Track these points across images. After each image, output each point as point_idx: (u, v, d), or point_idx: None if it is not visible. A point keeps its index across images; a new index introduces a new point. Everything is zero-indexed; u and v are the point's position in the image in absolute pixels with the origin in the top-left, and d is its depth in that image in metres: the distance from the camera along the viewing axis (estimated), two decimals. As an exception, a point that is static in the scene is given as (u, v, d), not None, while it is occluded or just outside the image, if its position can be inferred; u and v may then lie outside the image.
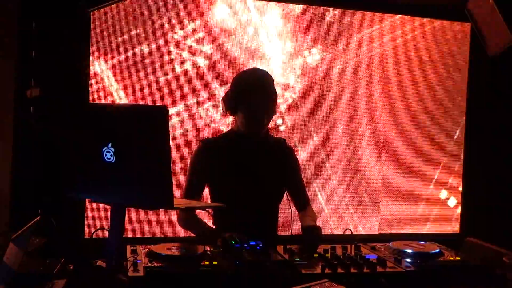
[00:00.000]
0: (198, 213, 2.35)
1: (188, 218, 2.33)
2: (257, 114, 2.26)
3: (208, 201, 2.39)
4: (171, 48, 3.27)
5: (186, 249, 1.88)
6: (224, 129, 3.12)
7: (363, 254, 1.98)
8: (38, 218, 1.79)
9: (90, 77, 3.13)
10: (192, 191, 2.31)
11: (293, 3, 3.44)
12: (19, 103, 2.97)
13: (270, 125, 2.42)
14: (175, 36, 3.27)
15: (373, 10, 3.61)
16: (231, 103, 2.28)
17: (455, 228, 3.84)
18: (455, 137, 3.83)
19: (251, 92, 2.25)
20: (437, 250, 2.03)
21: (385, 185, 3.72)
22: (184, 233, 2.58)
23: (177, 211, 2.35)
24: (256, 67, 2.43)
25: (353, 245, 2.08)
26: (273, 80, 2.32)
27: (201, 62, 3.32)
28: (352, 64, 3.61)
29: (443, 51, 3.76)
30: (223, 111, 2.33)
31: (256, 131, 2.31)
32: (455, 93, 3.82)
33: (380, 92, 3.68)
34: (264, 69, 2.35)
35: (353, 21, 3.58)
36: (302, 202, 2.45)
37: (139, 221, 3.21)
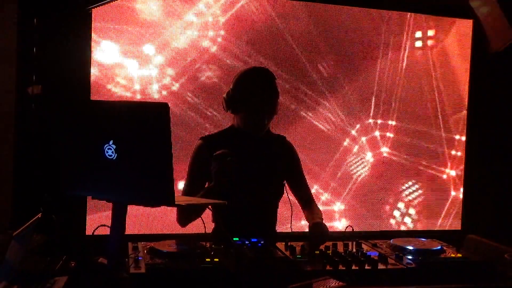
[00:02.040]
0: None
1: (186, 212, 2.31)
2: (258, 116, 2.26)
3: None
4: (173, 45, 3.27)
5: (187, 246, 1.88)
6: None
7: (364, 251, 1.98)
8: (39, 215, 1.79)
9: (92, 73, 3.13)
10: (192, 188, 2.31)
11: None
12: (20, 100, 2.97)
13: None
14: (177, 33, 3.27)
15: (375, 7, 3.60)
16: (232, 103, 2.28)
17: (457, 225, 3.84)
18: (457, 133, 3.83)
19: (253, 93, 2.24)
20: (439, 247, 2.04)
21: (387, 182, 3.71)
22: (186, 230, 2.57)
23: (176, 211, 2.32)
24: (259, 66, 2.41)
25: (354, 242, 2.08)
26: (275, 79, 2.31)
27: (203, 59, 3.32)
28: (351, 60, 3.60)
29: (445, 47, 3.75)
30: (224, 109, 2.33)
31: (257, 132, 2.31)
32: (457, 90, 3.81)
33: (380, 89, 3.67)
34: (267, 68, 2.34)
35: (352, 16, 3.58)
36: (306, 199, 2.45)
37: (141, 218, 3.21)
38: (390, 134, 3.71)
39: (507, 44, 2.57)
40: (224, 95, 2.32)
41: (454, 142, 3.83)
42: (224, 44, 3.35)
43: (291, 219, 2.39)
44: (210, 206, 2.01)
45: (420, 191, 3.78)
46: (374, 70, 3.65)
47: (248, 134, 2.33)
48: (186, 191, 2.30)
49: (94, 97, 3.13)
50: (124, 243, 1.86)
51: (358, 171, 3.65)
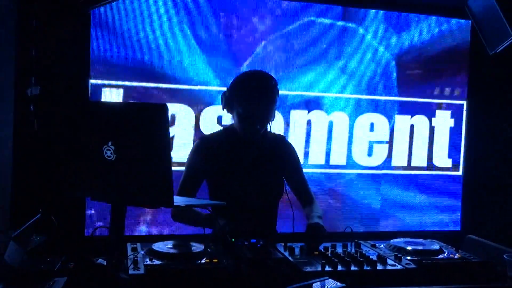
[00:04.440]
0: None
1: (182, 211, 2.32)
2: (248, 121, 2.26)
3: (207, 198, 2.40)
4: (174, 45, 3.26)
5: (186, 246, 1.88)
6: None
7: (363, 252, 1.98)
8: (38, 216, 1.79)
9: (90, 75, 3.13)
10: (188, 188, 2.31)
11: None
12: (19, 101, 2.97)
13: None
14: (178, 32, 3.27)
15: (373, 7, 3.61)
16: (228, 102, 2.28)
17: (456, 226, 3.84)
18: (456, 133, 3.83)
19: (244, 98, 2.23)
20: (438, 248, 2.04)
21: (386, 182, 3.71)
22: (185, 230, 2.58)
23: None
24: (260, 70, 2.40)
25: (353, 243, 2.08)
26: (275, 84, 2.29)
27: (204, 59, 3.32)
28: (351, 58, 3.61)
29: (444, 47, 3.76)
30: (222, 107, 2.34)
31: (248, 135, 2.30)
32: (456, 89, 3.81)
33: (379, 88, 3.67)
34: (268, 73, 2.32)
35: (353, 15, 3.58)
36: (306, 198, 2.45)
37: (140, 219, 3.21)
38: (389, 134, 3.71)
39: (505, 45, 2.56)
40: (222, 94, 2.32)
41: (453, 141, 3.83)
42: (228, 44, 3.35)
43: (292, 219, 2.39)
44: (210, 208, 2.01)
45: (419, 191, 3.78)
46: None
47: (242, 135, 2.33)
48: (182, 187, 2.31)
49: (93, 98, 3.13)
50: (123, 244, 1.86)
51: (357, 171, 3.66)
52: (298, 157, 2.49)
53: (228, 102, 2.28)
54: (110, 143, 1.53)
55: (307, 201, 2.44)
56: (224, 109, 2.31)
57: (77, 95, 3.08)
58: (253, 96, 2.23)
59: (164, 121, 1.46)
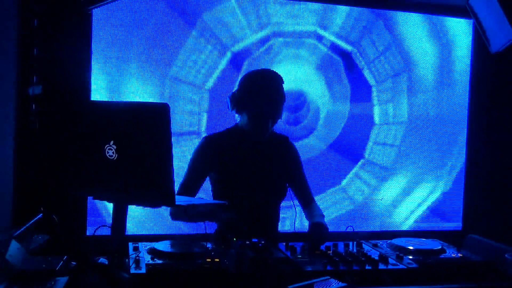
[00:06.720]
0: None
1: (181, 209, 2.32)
2: (261, 120, 2.27)
3: (210, 197, 2.40)
4: (175, 45, 3.27)
5: (188, 246, 1.88)
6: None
7: (365, 251, 1.98)
8: (40, 215, 1.80)
9: (92, 74, 3.13)
10: (190, 187, 2.31)
11: None
12: (20, 100, 2.97)
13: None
14: (179, 33, 3.27)
15: (374, 7, 3.60)
16: (237, 103, 2.29)
17: (457, 225, 3.84)
18: (458, 134, 3.82)
19: (256, 96, 2.24)
20: (439, 247, 2.04)
21: (387, 182, 3.71)
22: (187, 230, 2.58)
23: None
24: (267, 68, 2.41)
25: (355, 242, 2.08)
26: (282, 83, 2.31)
27: (205, 59, 3.32)
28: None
29: (445, 47, 3.76)
30: (229, 108, 2.34)
31: (259, 136, 2.31)
32: (458, 89, 3.81)
33: (379, 89, 3.67)
34: (275, 72, 2.34)
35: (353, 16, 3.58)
36: (306, 199, 2.46)
37: (141, 219, 3.21)
38: (390, 134, 3.71)
39: (507, 44, 2.56)
40: (230, 94, 2.32)
41: (454, 142, 3.82)
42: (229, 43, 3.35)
43: (294, 219, 2.39)
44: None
45: (420, 191, 3.78)
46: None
47: (251, 135, 2.33)
48: (184, 185, 2.31)
49: (94, 97, 3.13)
50: (125, 243, 1.87)
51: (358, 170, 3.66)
52: (300, 158, 2.50)
53: (238, 102, 2.28)
54: (111, 143, 1.53)
55: (308, 202, 2.45)
56: (232, 110, 2.32)
57: (79, 94, 3.08)
58: (268, 94, 2.25)
59: (166, 120, 1.46)
